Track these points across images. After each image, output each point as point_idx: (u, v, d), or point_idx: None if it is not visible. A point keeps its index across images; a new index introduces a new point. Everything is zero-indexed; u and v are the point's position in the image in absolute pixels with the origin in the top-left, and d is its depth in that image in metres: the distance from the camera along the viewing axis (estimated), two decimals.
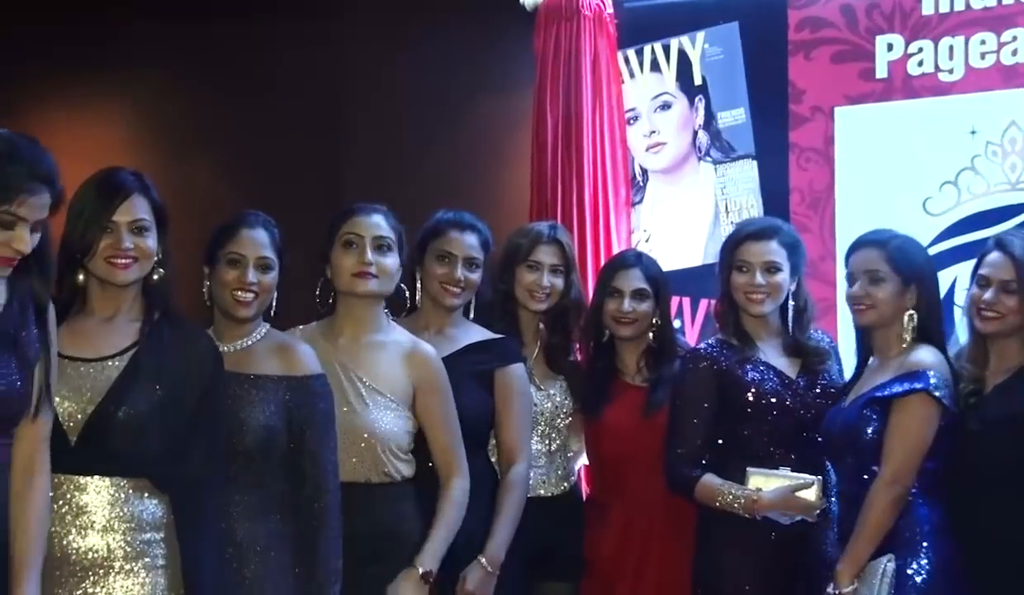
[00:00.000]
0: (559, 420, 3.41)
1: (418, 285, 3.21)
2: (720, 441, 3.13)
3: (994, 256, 2.93)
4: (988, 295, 2.88)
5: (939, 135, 3.92)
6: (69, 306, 2.50)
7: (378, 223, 2.92)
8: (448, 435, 2.93)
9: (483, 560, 2.97)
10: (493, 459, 3.23)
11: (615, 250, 4.20)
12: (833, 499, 3.09)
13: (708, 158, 4.35)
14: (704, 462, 3.10)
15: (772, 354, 3.18)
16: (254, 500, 2.64)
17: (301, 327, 2.99)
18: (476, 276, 3.21)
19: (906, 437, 2.82)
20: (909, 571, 2.79)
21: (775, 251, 3.16)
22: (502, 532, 3.02)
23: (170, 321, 2.53)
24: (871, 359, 3.08)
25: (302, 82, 5.00)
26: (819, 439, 3.07)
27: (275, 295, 2.79)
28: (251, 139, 5.03)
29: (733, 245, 3.21)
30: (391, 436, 2.86)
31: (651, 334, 3.38)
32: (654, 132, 4.44)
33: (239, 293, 2.72)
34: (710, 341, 3.23)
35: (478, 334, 3.22)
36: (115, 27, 5.14)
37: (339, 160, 4.94)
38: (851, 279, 3.03)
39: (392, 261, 2.94)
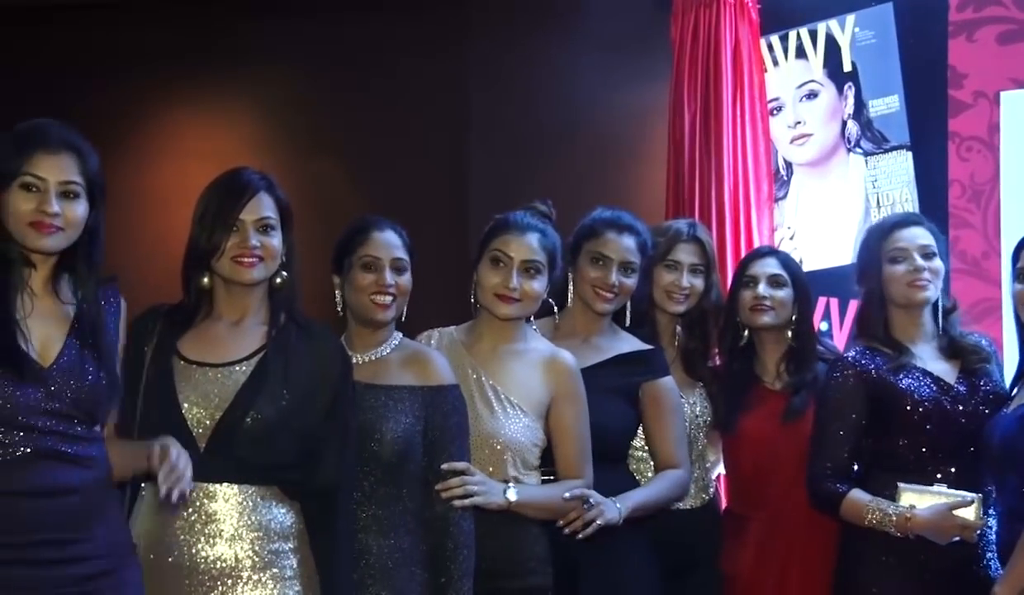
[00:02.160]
0: (697, 429, 3.41)
1: (570, 287, 3.22)
2: (871, 454, 3.10)
3: None
4: None
5: None
6: (196, 311, 2.59)
7: (530, 245, 2.94)
8: (577, 446, 2.94)
9: (618, 504, 2.95)
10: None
11: None
12: (992, 517, 3.03)
13: (858, 149, 4.30)
14: (851, 477, 3.08)
15: (928, 358, 3.14)
16: (390, 515, 2.69)
17: (439, 330, 3.06)
18: (632, 281, 3.20)
19: None
20: None
21: (926, 235, 3.15)
22: (639, 495, 3.03)
23: (297, 323, 2.58)
24: None
25: (430, 82, 5.11)
26: (980, 451, 3.01)
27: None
28: (378, 140, 5.16)
29: (879, 238, 3.18)
30: (519, 445, 2.89)
31: (790, 333, 3.36)
32: (799, 123, 4.41)
33: (378, 297, 2.76)
34: (857, 348, 3.18)
35: (627, 345, 3.22)
36: (242, 27, 5.35)
37: (466, 161, 5.01)
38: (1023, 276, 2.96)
39: (539, 285, 2.96)
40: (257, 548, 2.45)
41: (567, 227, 3.27)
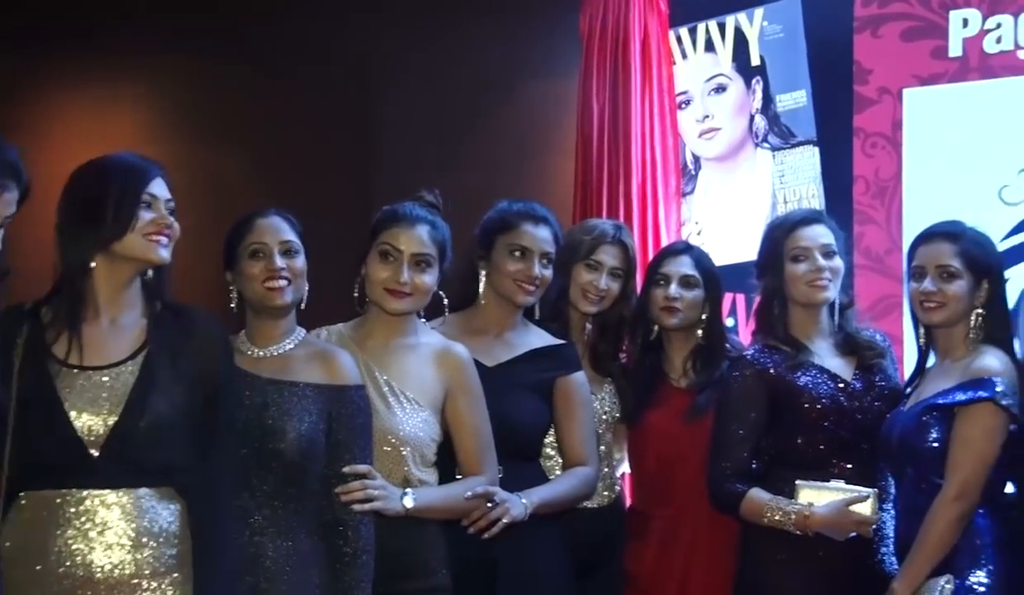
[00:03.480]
0: (603, 426, 3.44)
1: (481, 282, 3.23)
2: (770, 452, 3.15)
3: None
4: None
5: (1017, 118, 3.91)
6: (71, 308, 2.49)
7: (420, 238, 2.93)
8: (477, 441, 2.95)
9: (524, 499, 2.98)
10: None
11: (664, 243, 4.24)
12: (888, 511, 3.11)
13: (766, 144, 4.35)
14: (750, 476, 3.13)
15: (825, 355, 3.19)
16: (288, 516, 2.67)
17: (327, 328, 3.04)
18: (550, 273, 3.23)
19: (972, 449, 2.83)
20: (968, 585, 2.80)
21: (827, 234, 3.19)
22: (546, 491, 3.06)
23: (172, 311, 2.54)
24: (932, 360, 3.09)
25: (334, 70, 5.09)
26: (877, 447, 3.08)
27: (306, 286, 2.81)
28: (279, 130, 5.12)
29: (781, 236, 3.21)
30: (417, 441, 2.89)
31: (700, 331, 3.41)
32: (708, 117, 4.45)
33: (270, 282, 2.74)
34: (756, 346, 3.23)
35: (539, 340, 3.23)
36: (140, 10, 5.28)
37: (370, 153, 5.01)
38: (918, 274, 3.02)
39: (430, 279, 2.96)
40: (156, 554, 2.43)
41: (477, 217, 3.30)
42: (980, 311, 2.96)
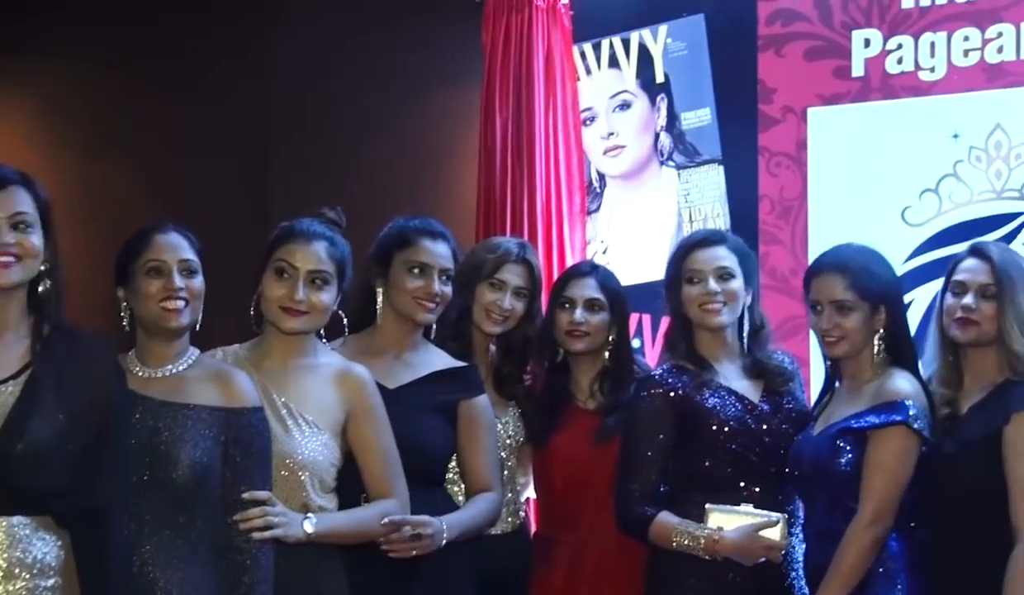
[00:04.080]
0: (507, 450, 3.42)
1: (378, 301, 3.21)
2: (677, 474, 3.16)
3: (971, 262, 2.98)
4: (967, 300, 2.93)
5: (919, 139, 3.97)
6: None
7: (317, 255, 2.90)
8: (385, 463, 2.91)
9: (444, 526, 2.98)
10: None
11: (569, 262, 4.23)
12: (796, 536, 3.13)
13: (671, 162, 4.38)
14: (659, 499, 3.13)
15: (732, 377, 3.20)
16: (180, 545, 2.60)
17: (223, 349, 2.99)
18: (450, 289, 3.21)
19: (885, 473, 2.87)
20: None
21: (725, 256, 3.19)
22: (463, 517, 3.07)
23: (63, 334, 2.47)
24: (839, 383, 3.12)
25: (230, 79, 5.02)
26: (786, 470, 3.10)
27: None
28: (173, 141, 5.03)
29: (680, 257, 3.23)
30: (316, 465, 2.84)
31: (607, 353, 3.40)
32: (612, 134, 4.46)
33: (168, 302, 2.68)
34: (664, 366, 3.23)
35: (440, 361, 3.22)
36: (24, 16, 5.14)
37: (268, 163, 4.94)
38: (815, 308, 3.06)
39: (327, 297, 2.92)
40: (30, 586, 2.35)
41: (376, 231, 3.28)
42: (882, 334, 3.00)
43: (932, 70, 3.98)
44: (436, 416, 3.15)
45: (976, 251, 3.00)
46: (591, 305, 3.38)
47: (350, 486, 2.94)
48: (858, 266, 3.01)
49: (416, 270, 3.17)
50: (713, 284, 3.14)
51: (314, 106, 4.99)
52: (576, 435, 3.36)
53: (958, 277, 2.98)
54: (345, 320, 3.05)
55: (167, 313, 2.69)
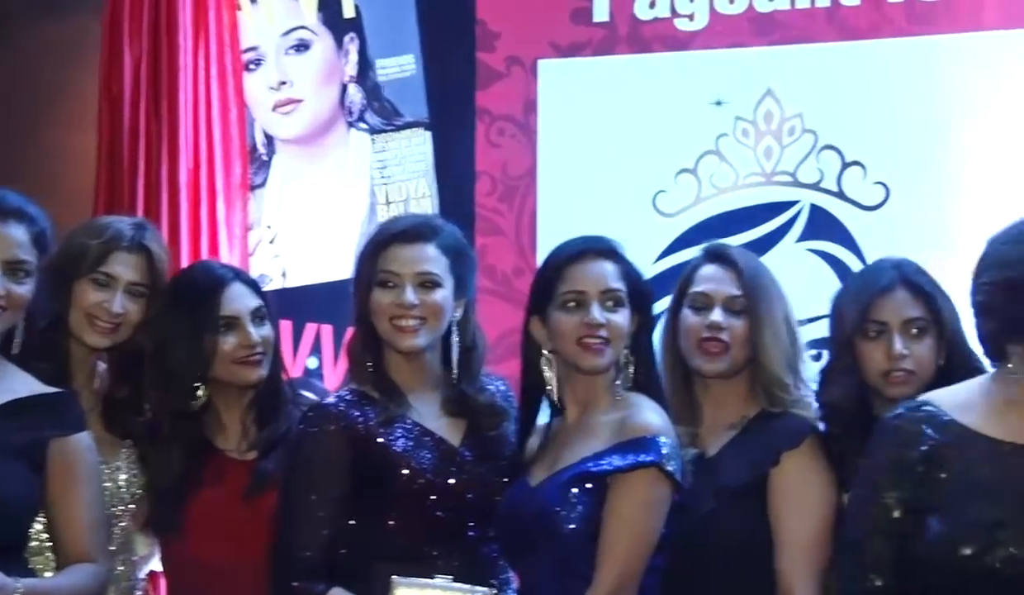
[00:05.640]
0: (121, 507, 3.09)
1: None
2: (357, 536, 2.87)
3: (711, 269, 2.92)
4: (714, 317, 2.85)
5: (675, 105, 3.85)
6: None
7: None
8: None
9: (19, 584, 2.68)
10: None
11: (223, 253, 4.07)
12: None
13: (363, 124, 4.23)
14: (332, 569, 2.86)
15: (427, 412, 2.96)
16: None
17: None
18: (26, 288, 2.85)
19: (632, 529, 2.67)
20: None
21: (433, 259, 2.95)
22: (44, 584, 2.80)
23: None
24: (555, 417, 2.92)
25: None
26: (494, 533, 2.88)
27: None
28: None
29: (374, 251, 2.99)
30: None
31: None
32: (285, 83, 4.26)
33: None
34: (343, 392, 2.98)
35: (23, 385, 2.91)
36: None
37: None
38: (574, 302, 2.82)
39: None
40: None
41: None
42: (627, 350, 2.83)
43: (691, 18, 3.82)
44: (16, 460, 2.80)
45: (715, 255, 2.93)
46: (257, 316, 3.16)
47: None
48: (624, 255, 2.87)
49: None
50: (411, 295, 2.90)
51: None
52: (222, 493, 3.08)
53: (698, 288, 2.90)
54: None
55: None
